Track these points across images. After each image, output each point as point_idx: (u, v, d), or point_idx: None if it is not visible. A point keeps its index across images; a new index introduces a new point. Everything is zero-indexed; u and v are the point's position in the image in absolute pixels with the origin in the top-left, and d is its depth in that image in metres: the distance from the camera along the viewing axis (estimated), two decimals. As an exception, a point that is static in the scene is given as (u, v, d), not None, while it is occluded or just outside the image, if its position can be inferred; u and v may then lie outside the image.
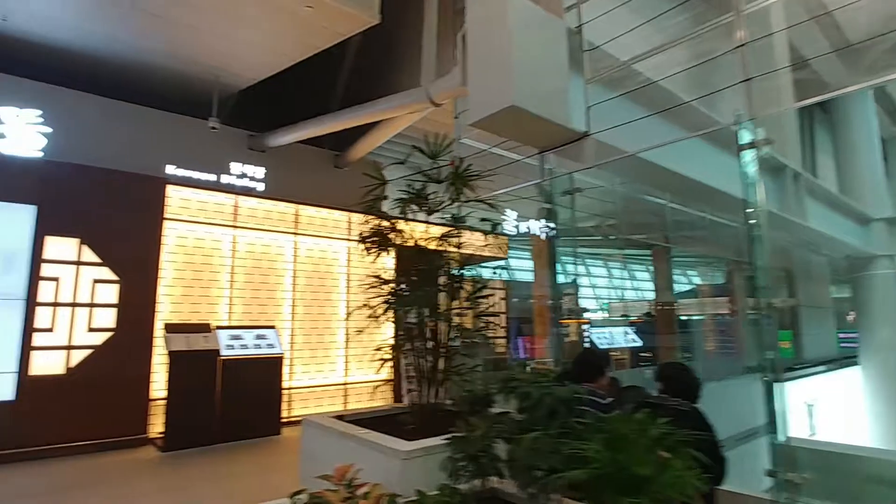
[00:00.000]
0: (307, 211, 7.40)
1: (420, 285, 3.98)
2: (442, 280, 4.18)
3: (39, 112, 5.84)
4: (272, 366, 6.31)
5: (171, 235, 6.27)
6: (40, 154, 5.78)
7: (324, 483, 2.60)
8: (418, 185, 4.16)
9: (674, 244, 8.71)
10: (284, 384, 6.54)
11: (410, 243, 4.24)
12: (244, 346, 6.19)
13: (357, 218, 8.17)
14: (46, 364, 5.30)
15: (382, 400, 7.78)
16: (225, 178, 7.39)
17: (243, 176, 7.40)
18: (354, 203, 8.11)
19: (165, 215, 6.15)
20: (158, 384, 5.94)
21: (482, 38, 4.20)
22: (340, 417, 3.89)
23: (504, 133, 4.37)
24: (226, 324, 6.48)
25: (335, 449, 3.46)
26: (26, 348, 5.19)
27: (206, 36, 5.92)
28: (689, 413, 2.59)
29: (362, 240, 4.18)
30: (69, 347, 5.39)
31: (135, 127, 6.89)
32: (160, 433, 5.79)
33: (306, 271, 7.29)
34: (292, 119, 7.50)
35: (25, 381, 5.16)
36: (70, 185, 5.56)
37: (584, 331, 11.52)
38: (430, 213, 3.92)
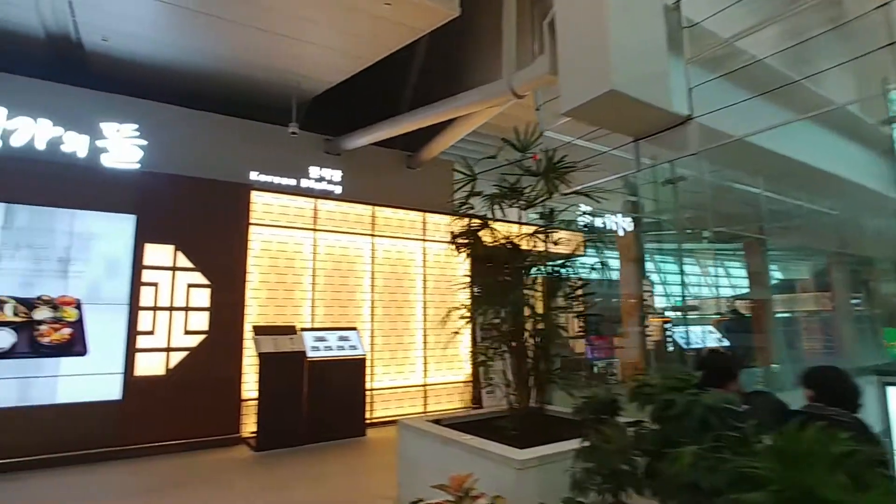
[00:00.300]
0: (383, 212, 7.43)
1: (514, 284, 3.81)
2: (534, 279, 4.00)
3: (136, 126, 6.18)
4: (356, 367, 6.35)
5: (256, 240, 6.45)
6: (137, 166, 6.11)
7: (435, 493, 2.48)
8: (509, 179, 4.02)
9: (768, 236, 8.05)
10: (367, 385, 6.62)
11: (492, 242, 4.09)
12: (328, 348, 6.26)
13: (432, 218, 8.16)
14: (148, 365, 5.57)
15: (461, 402, 7.69)
16: (304, 183, 7.54)
17: (321, 179, 7.53)
18: (428, 203, 8.13)
19: (251, 220, 6.35)
20: (248, 385, 6.13)
21: (574, 21, 3.96)
22: (437, 422, 3.78)
23: (599, 121, 4.12)
24: (309, 326, 6.60)
25: (437, 455, 3.35)
26: (131, 350, 5.47)
27: (284, 42, 6.02)
28: (852, 425, 2.27)
29: (453, 238, 4.07)
30: (168, 349, 5.65)
31: (220, 136, 7.17)
32: (252, 433, 5.95)
33: (384, 272, 7.31)
34: (364, 122, 7.56)
35: (130, 381, 5.44)
36: (164, 195, 5.82)
37: (666, 329, 10.96)
38: (526, 207, 3.74)
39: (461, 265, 8.06)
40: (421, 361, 7.40)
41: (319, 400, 6.02)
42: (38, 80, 6.10)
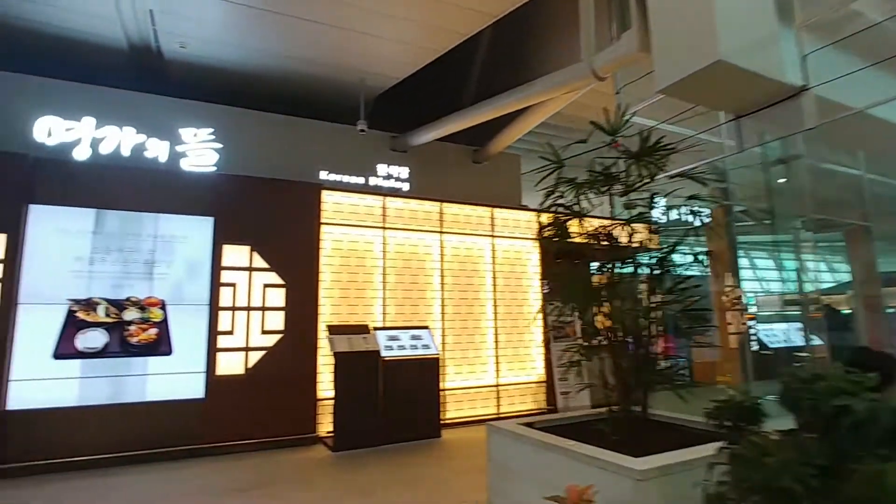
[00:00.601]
0: (451, 209, 7.26)
1: (613, 279, 3.52)
2: (634, 274, 3.69)
3: (211, 130, 6.34)
4: (429, 367, 6.22)
5: (327, 239, 6.46)
6: (214, 169, 6.26)
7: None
8: (596, 166, 3.74)
9: (874, 222, 7.25)
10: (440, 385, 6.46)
11: (582, 234, 3.81)
12: (402, 347, 6.17)
13: (501, 213, 7.93)
14: (229, 365, 5.66)
15: (534, 403, 7.42)
16: (372, 180, 7.55)
17: (389, 177, 7.49)
18: (495, 198, 7.91)
19: (322, 220, 6.36)
20: (323, 384, 6.14)
21: (670, -11, 3.64)
22: (530, 425, 3.56)
23: (699, 97, 3.76)
24: (380, 324, 6.54)
25: (534, 461, 3.12)
26: (212, 350, 5.59)
27: (353, 37, 6.02)
28: None
29: (540, 231, 3.83)
30: (246, 349, 5.73)
31: (290, 137, 7.28)
32: (328, 433, 5.95)
33: (453, 270, 7.16)
34: (427, 118, 7.45)
35: (212, 380, 5.55)
36: (239, 196, 5.91)
37: (749, 327, 10.20)
38: (623, 193, 3.45)
39: (531, 262, 7.81)
40: (492, 361, 7.19)
41: (394, 400, 5.93)
42: (123, 90, 6.40)
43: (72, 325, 5.21)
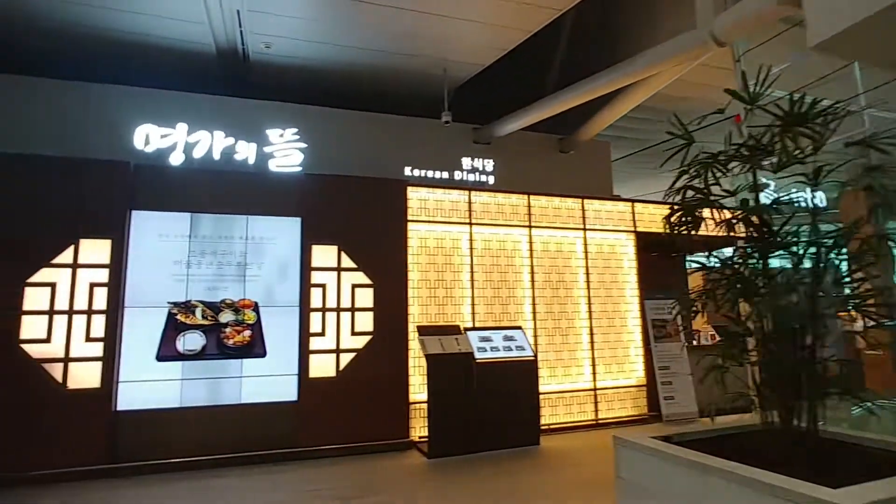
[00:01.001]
0: (538, 201, 6.85)
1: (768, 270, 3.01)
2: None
3: (295, 130, 6.33)
4: (525, 369, 5.85)
5: (413, 237, 6.26)
6: (299, 169, 6.23)
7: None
8: (736, 138, 3.23)
9: None
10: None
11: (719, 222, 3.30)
12: (495, 349, 5.85)
13: (592, 205, 7.41)
14: (321, 367, 5.57)
15: (635, 409, 6.86)
16: (457, 175, 7.29)
17: (474, 170, 7.21)
18: (585, 188, 7.42)
19: (408, 217, 6.17)
20: (413, 387, 5.93)
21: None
22: (666, 438, 3.13)
23: (865, 50, 3.17)
24: (469, 324, 6.26)
25: (687, 486, 2.65)
26: (304, 352, 5.52)
27: (435, 23, 5.80)
28: None
29: (667, 220, 3.37)
30: (338, 351, 5.62)
31: (373, 133, 7.17)
32: (422, 438, 5.73)
33: (543, 266, 6.75)
34: (509, 107, 7.09)
35: (305, 383, 5.48)
36: (325, 196, 5.81)
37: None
38: (779, 168, 2.93)
39: (627, 256, 7.24)
40: (588, 363, 6.71)
41: (489, 405, 5.62)
42: (212, 95, 6.53)
43: (172, 327, 5.31)
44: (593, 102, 6.60)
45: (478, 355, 5.69)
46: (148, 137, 5.75)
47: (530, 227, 6.76)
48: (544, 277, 6.73)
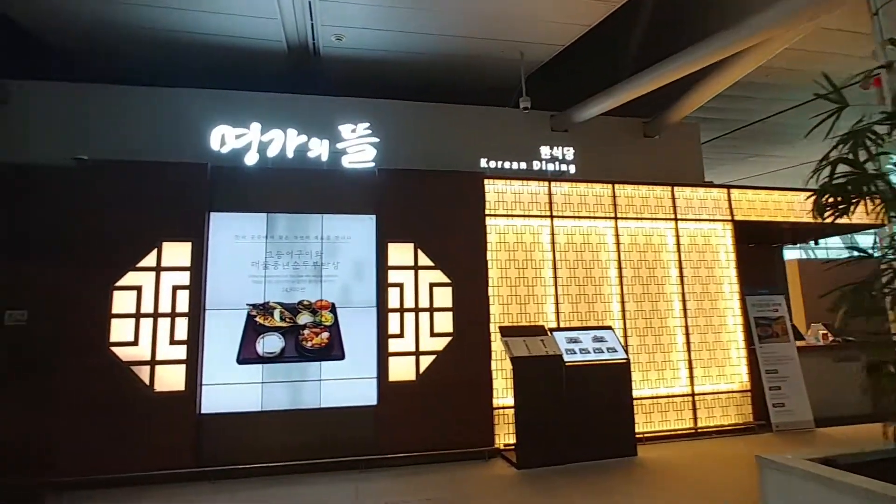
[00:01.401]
0: (624, 190, 6.31)
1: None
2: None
3: (367, 125, 6.14)
4: (619, 373, 5.38)
5: (492, 232, 5.92)
6: (372, 164, 6.04)
7: None
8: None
9: None
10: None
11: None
12: (584, 351, 5.42)
13: (682, 192, 6.78)
14: (400, 370, 5.34)
15: (738, 417, 6.21)
16: (535, 165, 6.84)
17: (553, 160, 6.77)
18: (673, 175, 6.84)
19: (486, 211, 5.84)
20: (497, 391, 5.60)
21: None
22: (829, 462, 2.62)
23: None
24: (553, 324, 5.85)
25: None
26: (383, 354, 5.31)
27: (511, 2, 5.46)
28: None
29: (816, 201, 2.85)
30: (417, 353, 5.38)
31: (446, 125, 6.85)
32: (507, 446, 5.40)
33: (632, 261, 6.23)
34: (588, 91, 6.60)
35: (385, 387, 5.26)
36: (399, 191, 5.57)
37: None
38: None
39: (724, 247, 6.57)
40: (684, 366, 6.12)
41: (580, 412, 5.19)
42: (284, 93, 6.42)
43: (252, 329, 5.24)
44: (683, 80, 6.00)
45: (567, 358, 5.28)
46: (223, 138, 5.73)
47: (616, 218, 6.25)
48: (633, 273, 6.21)
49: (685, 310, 6.21)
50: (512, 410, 5.28)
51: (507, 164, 6.55)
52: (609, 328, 5.66)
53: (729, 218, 6.63)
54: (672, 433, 5.87)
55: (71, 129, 5.89)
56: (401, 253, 5.50)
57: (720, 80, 6.03)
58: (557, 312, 5.87)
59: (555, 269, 5.97)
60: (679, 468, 4.86)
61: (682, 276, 6.28)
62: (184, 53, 6.38)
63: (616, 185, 6.31)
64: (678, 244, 6.35)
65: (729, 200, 6.68)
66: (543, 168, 6.64)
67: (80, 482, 4.54)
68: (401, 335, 5.35)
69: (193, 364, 4.93)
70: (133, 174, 5.15)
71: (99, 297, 4.90)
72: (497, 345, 5.54)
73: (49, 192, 5.22)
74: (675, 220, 6.37)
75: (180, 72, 6.61)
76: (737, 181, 11.15)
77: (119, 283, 4.93)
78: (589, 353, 5.38)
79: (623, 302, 6.05)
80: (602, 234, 6.23)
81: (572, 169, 6.73)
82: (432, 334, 5.41)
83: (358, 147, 6.06)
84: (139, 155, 5.49)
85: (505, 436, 5.45)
